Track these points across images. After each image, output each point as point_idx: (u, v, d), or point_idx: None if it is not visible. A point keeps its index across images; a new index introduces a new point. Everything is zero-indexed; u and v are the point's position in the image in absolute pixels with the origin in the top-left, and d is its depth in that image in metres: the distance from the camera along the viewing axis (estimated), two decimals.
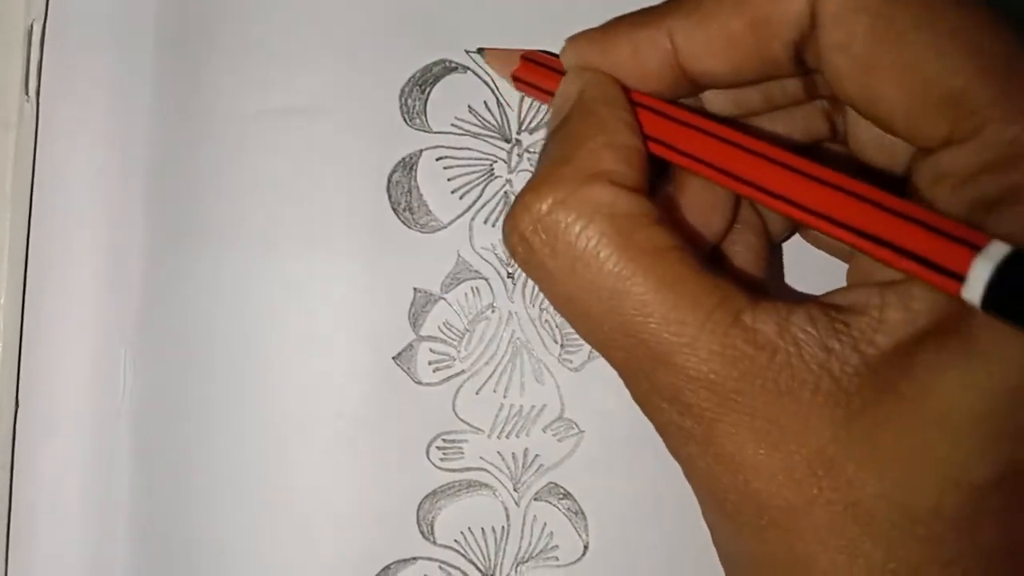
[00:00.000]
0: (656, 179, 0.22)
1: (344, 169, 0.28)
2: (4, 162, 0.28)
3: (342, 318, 0.28)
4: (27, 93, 0.28)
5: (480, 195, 0.28)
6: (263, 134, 0.28)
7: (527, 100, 0.28)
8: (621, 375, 0.21)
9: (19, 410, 0.28)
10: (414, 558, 0.28)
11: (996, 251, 0.17)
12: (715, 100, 0.24)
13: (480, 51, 0.28)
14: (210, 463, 0.28)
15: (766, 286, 0.25)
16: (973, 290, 0.17)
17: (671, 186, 0.24)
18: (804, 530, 0.19)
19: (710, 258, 0.24)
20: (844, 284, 0.22)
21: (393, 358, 0.28)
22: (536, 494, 0.28)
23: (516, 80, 0.26)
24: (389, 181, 0.28)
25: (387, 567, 0.28)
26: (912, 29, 0.19)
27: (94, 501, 0.28)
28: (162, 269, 0.28)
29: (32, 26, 0.28)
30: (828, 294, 0.20)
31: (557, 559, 0.28)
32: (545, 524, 0.28)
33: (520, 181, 0.28)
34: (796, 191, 0.20)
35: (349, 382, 0.28)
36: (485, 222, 0.28)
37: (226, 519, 0.28)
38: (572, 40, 0.23)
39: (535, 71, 0.25)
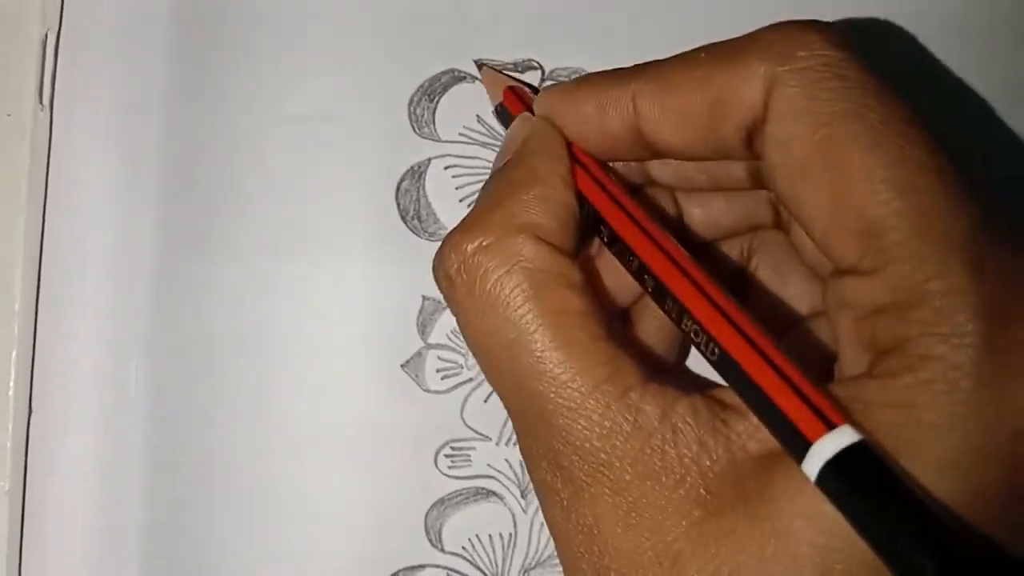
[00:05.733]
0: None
1: (353, 177, 0.28)
2: (19, 170, 0.28)
3: (351, 326, 0.28)
4: (41, 101, 0.29)
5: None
6: (272, 142, 0.28)
7: None
8: (513, 424, 0.22)
9: (32, 414, 0.28)
10: (422, 565, 0.28)
11: (839, 439, 0.17)
12: (659, 169, 0.24)
13: (479, 65, 0.28)
14: (219, 469, 0.28)
15: (666, 359, 0.25)
16: (810, 467, 0.17)
17: (593, 242, 0.24)
18: None
19: (618, 319, 0.24)
20: None
21: (401, 366, 0.28)
22: None
23: (499, 107, 0.26)
24: (398, 189, 0.28)
25: (395, 574, 0.28)
26: (850, 146, 0.18)
27: (106, 504, 0.28)
28: (173, 275, 0.28)
29: (47, 35, 0.29)
30: (720, 389, 0.20)
31: None
32: None
33: None
34: (693, 303, 0.20)
35: (357, 389, 0.28)
36: None
37: (234, 525, 0.28)
38: (546, 90, 0.24)
39: (515, 105, 0.25)
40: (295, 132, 0.28)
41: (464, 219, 0.21)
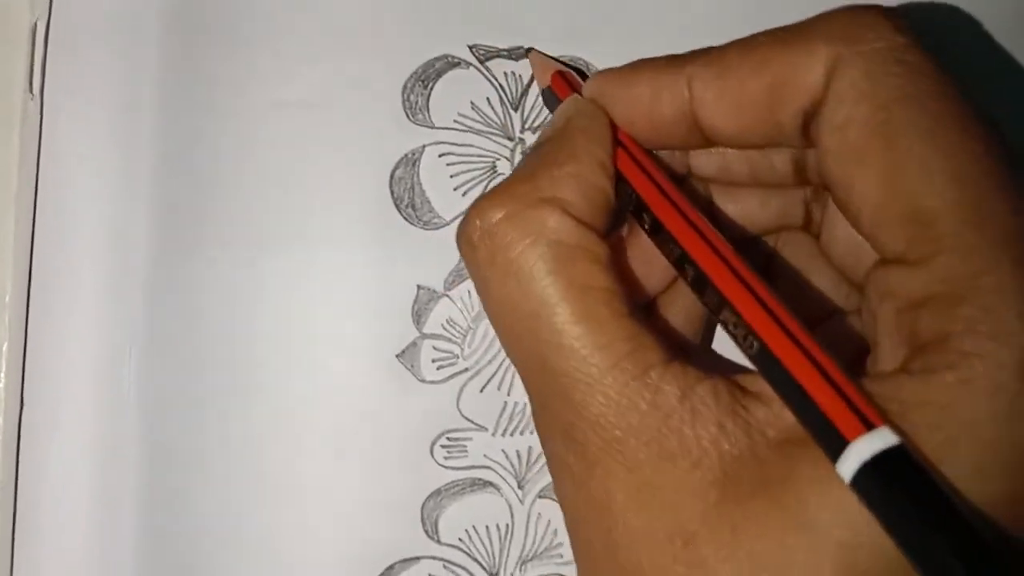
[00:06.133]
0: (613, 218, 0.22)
1: (346, 165, 0.28)
2: (9, 159, 0.28)
3: (345, 316, 0.28)
4: (31, 90, 0.28)
5: (483, 193, 0.28)
6: (266, 130, 0.28)
7: (532, 97, 0.28)
8: (528, 397, 0.22)
9: (24, 408, 0.28)
10: (418, 557, 0.28)
11: (877, 441, 0.17)
12: (701, 159, 0.24)
13: (528, 51, 0.28)
14: (214, 461, 0.28)
15: (691, 349, 0.25)
16: (845, 467, 0.17)
17: (624, 228, 0.24)
18: None
19: (644, 309, 0.24)
20: None
21: (396, 356, 0.28)
22: (540, 492, 0.28)
23: (546, 90, 0.26)
24: (392, 177, 0.28)
25: (391, 566, 0.28)
26: (908, 133, 0.18)
27: (99, 498, 0.28)
28: (166, 266, 0.28)
29: (36, 24, 0.28)
30: (741, 375, 0.20)
31: (561, 556, 0.28)
32: (549, 522, 0.28)
33: None
34: (734, 295, 0.20)
35: (352, 380, 0.28)
36: None
37: (230, 518, 0.28)
38: (598, 74, 0.23)
39: (563, 89, 0.25)
40: (288, 120, 0.28)
41: (492, 188, 0.21)
